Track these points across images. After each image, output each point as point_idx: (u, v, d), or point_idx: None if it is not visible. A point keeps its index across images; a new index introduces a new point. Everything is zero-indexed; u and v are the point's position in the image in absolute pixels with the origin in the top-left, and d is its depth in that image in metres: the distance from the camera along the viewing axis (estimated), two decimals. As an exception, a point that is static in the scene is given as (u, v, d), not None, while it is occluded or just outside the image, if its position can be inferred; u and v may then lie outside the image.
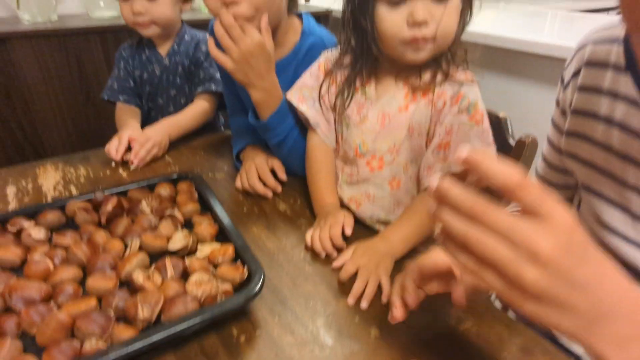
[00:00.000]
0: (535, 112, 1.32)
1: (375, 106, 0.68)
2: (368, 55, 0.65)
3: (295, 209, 0.76)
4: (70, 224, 0.64)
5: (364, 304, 0.53)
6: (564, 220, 0.26)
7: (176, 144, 0.99)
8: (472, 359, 0.47)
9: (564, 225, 0.26)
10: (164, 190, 0.70)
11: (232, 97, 0.95)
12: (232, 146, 0.95)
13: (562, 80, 0.58)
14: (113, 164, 0.89)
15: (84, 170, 0.87)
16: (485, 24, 1.50)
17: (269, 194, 0.78)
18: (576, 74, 0.55)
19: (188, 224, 0.65)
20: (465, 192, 0.28)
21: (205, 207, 0.68)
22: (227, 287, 0.51)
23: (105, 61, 1.45)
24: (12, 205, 0.75)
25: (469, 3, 0.60)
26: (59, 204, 0.66)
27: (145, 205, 0.65)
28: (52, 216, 0.63)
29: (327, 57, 0.74)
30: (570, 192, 0.64)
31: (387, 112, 0.67)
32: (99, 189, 0.69)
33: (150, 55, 1.10)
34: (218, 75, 1.06)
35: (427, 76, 0.64)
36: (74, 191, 0.79)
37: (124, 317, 0.47)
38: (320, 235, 0.63)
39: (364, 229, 0.70)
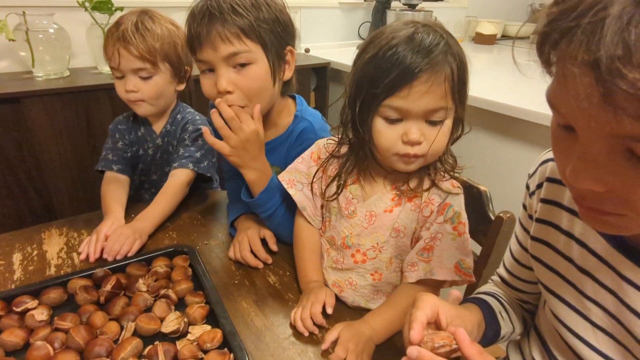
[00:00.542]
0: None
1: (363, 204, 0.72)
2: (362, 155, 0.69)
3: (284, 282, 0.80)
4: (71, 300, 0.69)
5: None
6: None
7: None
8: None
9: None
10: (160, 267, 0.74)
11: (229, 162, 1.01)
12: (227, 210, 1.00)
13: (528, 187, 0.62)
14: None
15: (86, 235, 0.92)
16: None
17: (260, 265, 0.83)
18: (540, 185, 0.59)
19: (181, 302, 0.69)
20: None
21: (199, 282, 0.72)
22: (214, 375, 0.55)
23: (112, 115, 1.53)
24: (17, 274, 0.80)
25: (460, 122, 0.65)
26: (62, 280, 0.71)
27: (141, 284, 0.70)
28: (55, 294, 0.67)
29: (320, 146, 0.79)
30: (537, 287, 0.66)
31: (374, 211, 0.71)
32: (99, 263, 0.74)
33: (145, 133, 1.10)
34: (198, 155, 1.03)
35: (414, 183, 0.69)
36: (76, 259, 0.84)
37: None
38: (302, 315, 0.67)
39: (346, 309, 0.74)
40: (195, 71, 0.92)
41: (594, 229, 0.51)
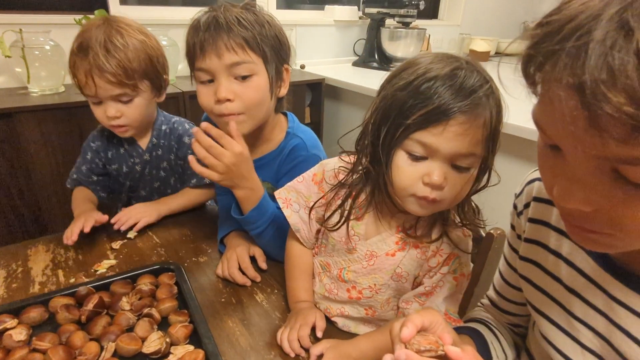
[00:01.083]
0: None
1: (364, 243, 0.66)
2: (378, 190, 0.63)
3: (272, 300, 0.78)
4: (52, 319, 0.67)
5: None
6: None
7: (164, 219, 1.03)
8: None
9: None
10: (145, 285, 0.73)
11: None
12: (217, 225, 0.99)
13: (515, 207, 0.61)
14: (108, 247, 0.92)
15: (73, 251, 0.91)
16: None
17: (248, 283, 0.81)
18: (527, 205, 0.58)
19: (164, 321, 0.68)
20: None
21: (184, 301, 0.71)
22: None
23: (106, 130, 1.53)
24: (0, 291, 0.78)
25: (486, 171, 0.58)
26: (44, 298, 0.69)
27: (125, 302, 0.68)
28: (35, 313, 0.66)
29: (326, 169, 0.70)
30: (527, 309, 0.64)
31: (375, 252, 0.65)
32: (84, 277, 0.73)
33: (129, 149, 1.04)
34: None
35: (422, 228, 0.63)
36: (61, 277, 0.83)
37: None
38: (289, 336, 0.66)
39: (336, 330, 0.73)
40: (185, 86, 0.92)
41: (581, 249, 0.50)
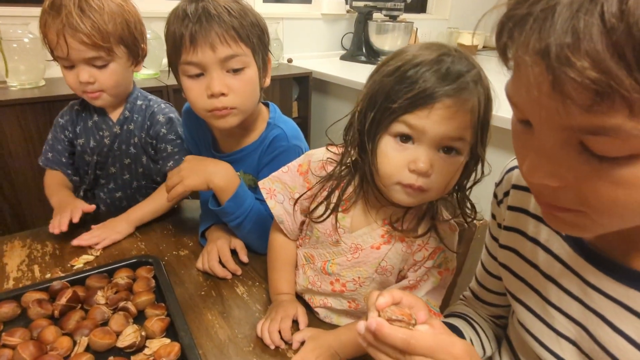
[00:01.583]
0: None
1: (349, 236, 0.65)
2: (364, 180, 0.61)
3: (253, 293, 0.78)
4: (24, 314, 0.65)
5: None
6: None
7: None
8: None
9: None
10: (122, 278, 0.71)
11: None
12: (199, 219, 0.98)
13: (496, 196, 0.61)
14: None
15: (50, 246, 0.89)
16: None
17: (228, 276, 0.80)
18: (507, 193, 0.58)
19: (141, 315, 0.66)
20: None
21: (162, 295, 0.70)
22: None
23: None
24: (-27, 288, 0.76)
25: (478, 162, 0.57)
26: (17, 293, 0.67)
27: (100, 296, 0.67)
28: (7, 308, 0.64)
29: (312, 161, 0.68)
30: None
31: (360, 244, 0.64)
32: (60, 273, 0.71)
33: (99, 121, 0.98)
34: (186, 146, 1.00)
35: (410, 221, 0.62)
36: (37, 272, 0.81)
37: None
38: (269, 328, 0.65)
39: (317, 321, 0.72)
40: (170, 79, 0.88)
41: (558, 235, 0.50)
